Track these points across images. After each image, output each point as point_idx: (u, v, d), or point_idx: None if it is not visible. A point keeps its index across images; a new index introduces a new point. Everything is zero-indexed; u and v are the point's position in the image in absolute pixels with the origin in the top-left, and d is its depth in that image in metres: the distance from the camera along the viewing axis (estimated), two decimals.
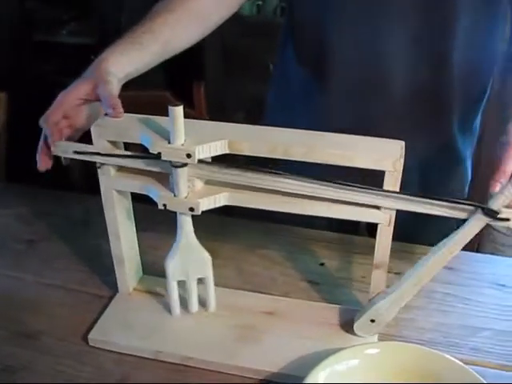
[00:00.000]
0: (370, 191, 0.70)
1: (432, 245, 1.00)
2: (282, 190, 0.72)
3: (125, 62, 0.83)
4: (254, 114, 1.68)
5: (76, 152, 0.77)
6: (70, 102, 0.79)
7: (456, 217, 0.71)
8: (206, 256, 0.82)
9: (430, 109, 1.00)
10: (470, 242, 2.18)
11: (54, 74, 2.23)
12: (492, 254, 2.04)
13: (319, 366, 0.68)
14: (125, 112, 0.75)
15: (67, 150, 0.77)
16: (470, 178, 1.18)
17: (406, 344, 0.75)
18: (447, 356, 0.71)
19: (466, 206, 0.70)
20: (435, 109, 1.00)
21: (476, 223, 0.70)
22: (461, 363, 0.69)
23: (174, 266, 0.81)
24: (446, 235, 1.18)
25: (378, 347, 0.73)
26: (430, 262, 0.73)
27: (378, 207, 0.72)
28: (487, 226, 2.11)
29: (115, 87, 0.77)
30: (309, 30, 1.00)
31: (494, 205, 0.68)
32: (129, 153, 0.76)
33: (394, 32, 0.92)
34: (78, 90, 0.79)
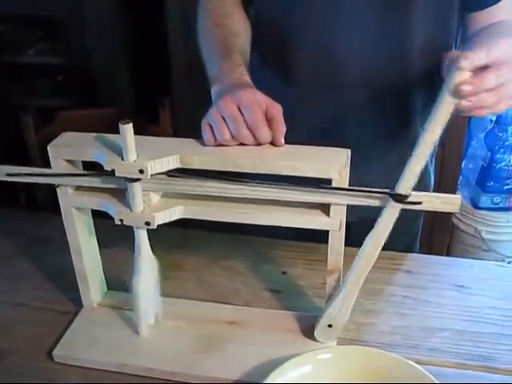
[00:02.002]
0: (289, 188, 0.73)
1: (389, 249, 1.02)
2: (235, 195, 0.74)
3: None
4: None
5: (8, 174, 0.78)
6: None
7: (372, 205, 0.72)
8: (154, 261, 0.83)
9: (389, 110, 1.02)
10: (439, 245, 2.23)
11: (19, 94, 2.24)
12: (463, 256, 2.08)
13: (272, 375, 0.69)
14: (92, 130, 0.77)
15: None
16: (433, 183, 1.20)
17: (358, 347, 0.77)
18: (399, 357, 0.73)
19: (377, 194, 0.71)
20: (395, 109, 1.02)
21: (390, 211, 0.71)
22: (413, 363, 0.71)
23: (139, 284, 0.82)
24: (408, 240, 1.21)
25: (330, 352, 0.75)
26: (362, 259, 0.75)
27: (328, 214, 0.74)
28: (455, 228, 2.14)
29: None
30: (270, 27, 1.02)
31: (401, 189, 0.70)
32: (84, 172, 0.78)
33: (352, 25, 0.94)
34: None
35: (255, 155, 0.73)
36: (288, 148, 0.74)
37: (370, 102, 0.99)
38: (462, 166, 2.11)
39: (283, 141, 0.75)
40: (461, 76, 0.65)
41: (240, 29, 0.98)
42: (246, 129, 0.75)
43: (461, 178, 2.13)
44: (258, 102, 0.76)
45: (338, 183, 0.71)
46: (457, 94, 0.65)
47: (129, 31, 2.15)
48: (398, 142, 1.05)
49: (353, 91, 0.99)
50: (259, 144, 0.75)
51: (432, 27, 0.96)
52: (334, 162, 0.71)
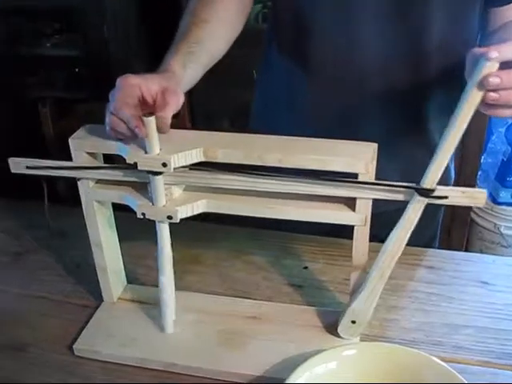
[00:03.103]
0: (314, 182, 0.71)
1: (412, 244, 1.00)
2: (259, 189, 0.73)
3: (186, 78, 0.84)
4: (239, 122, 1.68)
5: (29, 167, 0.78)
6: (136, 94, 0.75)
7: (395, 199, 0.71)
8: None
9: (406, 104, 1.00)
10: (458, 241, 2.19)
11: (36, 87, 2.23)
12: (481, 251, 2.06)
13: (297, 371, 0.68)
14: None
15: (19, 165, 0.78)
16: (453, 177, 1.19)
17: (383, 344, 0.76)
18: (425, 354, 0.71)
19: (402, 189, 0.70)
20: (411, 104, 1.01)
21: (415, 205, 0.70)
22: (439, 361, 0.70)
23: (165, 279, 0.81)
24: (428, 236, 1.19)
25: (356, 348, 0.74)
26: (386, 254, 0.74)
27: (353, 210, 0.73)
28: (474, 224, 2.11)
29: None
30: (287, 19, 1.01)
31: (426, 183, 0.69)
32: (105, 164, 0.77)
33: (369, 19, 0.92)
34: (149, 90, 0.75)
35: (280, 149, 0.71)
36: (314, 142, 0.73)
37: (385, 96, 0.98)
38: (482, 160, 2.08)
39: (166, 129, 0.73)
40: (489, 68, 0.63)
41: (206, 36, 0.92)
42: (111, 114, 0.73)
43: (480, 172, 2.11)
44: (130, 85, 0.74)
45: (364, 178, 0.69)
46: (483, 86, 0.64)
47: (147, 22, 2.14)
48: (412, 136, 1.04)
49: (368, 85, 0.97)
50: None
51: (452, 24, 0.94)
52: (361, 157, 0.69)
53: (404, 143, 1.04)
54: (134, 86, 0.74)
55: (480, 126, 1.88)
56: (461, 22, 0.95)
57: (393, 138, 1.00)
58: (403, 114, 1.00)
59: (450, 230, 2.01)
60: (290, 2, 1.00)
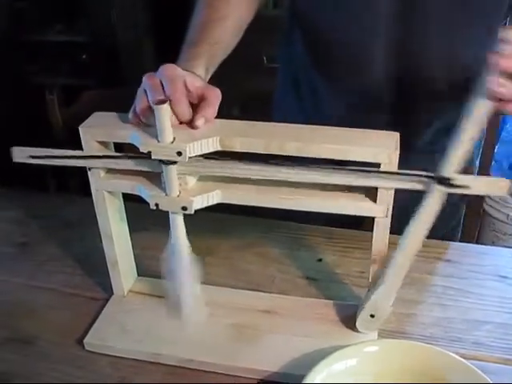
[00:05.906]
0: (332, 170, 0.69)
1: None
2: (277, 179, 0.71)
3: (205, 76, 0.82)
4: (249, 109, 1.66)
5: (32, 156, 0.75)
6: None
7: (414, 189, 0.68)
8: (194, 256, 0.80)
9: (407, 99, 0.98)
10: (470, 231, 2.17)
11: (43, 73, 2.22)
12: (493, 243, 2.04)
13: (317, 368, 0.66)
14: (117, 110, 0.74)
15: (23, 155, 0.76)
16: (476, 165, 1.17)
17: (406, 341, 0.74)
18: (446, 352, 0.69)
19: (420, 178, 0.67)
20: (410, 99, 0.99)
21: (435, 195, 0.68)
22: (461, 359, 0.68)
23: (171, 269, 0.79)
24: (452, 227, 1.17)
25: (377, 345, 0.72)
26: (405, 246, 0.71)
27: (374, 201, 0.70)
28: (487, 215, 2.09)
29: None
30: (303, 19, 1.00)
31: (445, 172, 0.66)
32: (117, 154, 0.74)
33: (378, 30, 0.91)
34: (192, 83, 0.73)
35: (300, 138, 0.69)
36: (335, 130, 0.71)
37: (389, 102, 0.97)
38: (495, 150, 2.06)
39: (199, 124, 0.71)
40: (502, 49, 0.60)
41: (224, 34, 0.90)
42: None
43: (493, 162, 2.08)
44: (182, 77, 0.71)
45: (386, 168, 0.67)
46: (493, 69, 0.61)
47: (154, 6, 2.12)
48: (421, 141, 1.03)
49: (375, 92, 0.96)
50: (181, 122, 0.71)
51: (456, 41, 0.91)
52: (384, 146, 0.67)
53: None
54: (180, 77, 0.71)
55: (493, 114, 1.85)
56: (468, 39, 0.93)
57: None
58: (410, 124, 0.99)
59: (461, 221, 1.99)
60: (303, 7, 0.98)
